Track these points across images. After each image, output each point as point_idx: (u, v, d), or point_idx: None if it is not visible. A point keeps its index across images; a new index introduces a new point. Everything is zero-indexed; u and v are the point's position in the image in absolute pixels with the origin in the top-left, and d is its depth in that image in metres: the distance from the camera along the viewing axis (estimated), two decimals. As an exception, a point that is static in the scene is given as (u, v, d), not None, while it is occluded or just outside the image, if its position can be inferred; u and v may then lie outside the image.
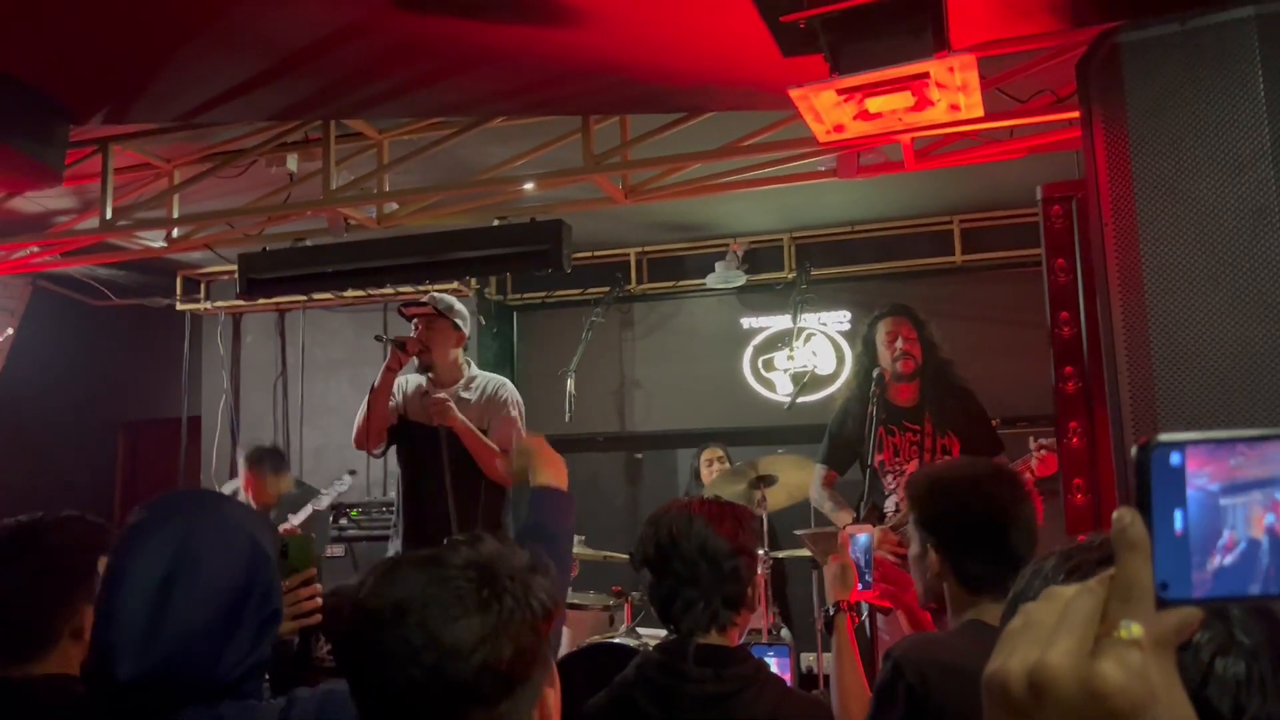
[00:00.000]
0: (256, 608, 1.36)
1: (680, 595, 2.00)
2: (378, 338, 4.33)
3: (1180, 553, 0.57)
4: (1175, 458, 0.57)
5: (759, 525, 2.09)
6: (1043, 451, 3.63)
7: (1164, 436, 0.58)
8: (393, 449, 4.23)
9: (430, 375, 4.09)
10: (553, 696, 1.13)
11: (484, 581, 1.08)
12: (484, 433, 4.00)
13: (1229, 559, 0.57)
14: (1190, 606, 0.57)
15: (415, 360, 4.04)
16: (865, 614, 3.58)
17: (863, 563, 2.45)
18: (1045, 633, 0.57)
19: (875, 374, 3.97)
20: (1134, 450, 0.58)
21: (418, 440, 4.09)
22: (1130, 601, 0.56)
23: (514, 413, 4.12)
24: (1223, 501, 0.57)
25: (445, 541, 1.13)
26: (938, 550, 1.95)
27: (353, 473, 5.74)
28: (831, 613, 2.37)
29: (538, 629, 1.09)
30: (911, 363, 4.01)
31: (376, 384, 4.02)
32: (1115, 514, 0.57)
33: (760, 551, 4.56)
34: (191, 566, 1.31)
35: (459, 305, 4.10)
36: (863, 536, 2.49)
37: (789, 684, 2.10)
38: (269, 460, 5.17)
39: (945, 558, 1.94)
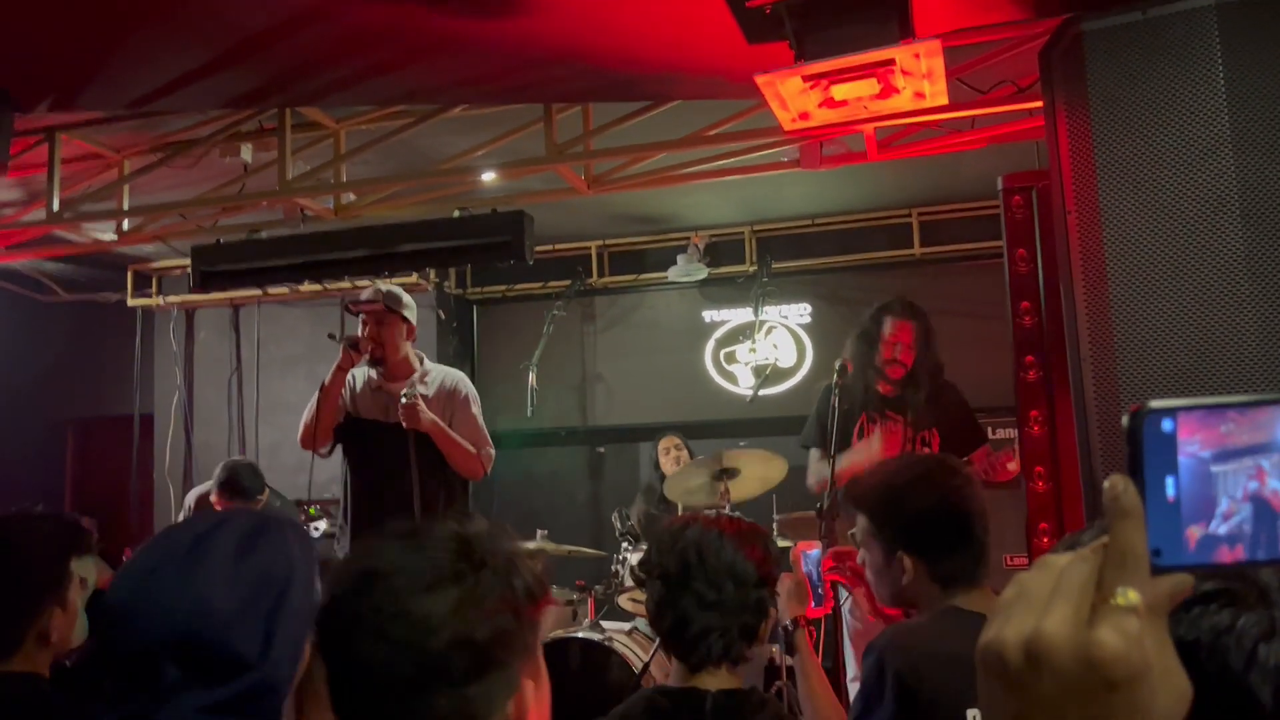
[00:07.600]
0: (281, 608, 1.19)
1: (696, 619, 1.83)
2: (331, 336, 4.20)
3: (1172, 519, 0.57)
4: (1167, 425, 0.58)
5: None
6: (1012, 464, 3.73)
7: (1156, 403, 0.58)
8: (339, 447, 4.08)
9: (381, 370, 3.99)
10: (532, 690, 1.05)
11: (462, 554, 1.03)
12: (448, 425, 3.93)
13: (1220, 525, 0.57)
14: (1183, 573, 0.57)
15: (367, 356, 3.94)
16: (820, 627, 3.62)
17: (815, 577, 2.44)
18: (1040, 601, 0.57)
19: (838, 365, 3.97)
20: (1126, 418, 0.58)
21: (371, 438, 3.97)
22: (1125, 568, 0.56)
23: (474, 408, 4.05)
24: (1214, 468, 0.57)
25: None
26: (911, 555, 1.90)
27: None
28: (791, 629, 2.32)
29: (519, 611, 1.03)
30: (901, 370, 4.00)
31: (327, 383, 3.90)
32: (1108, 481, 0.57)
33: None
34: (215, 541, 1.20)
35: (406, 297, 4.00)
36: (814, 552, 2.49)
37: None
38: (246, 484, 4.82)
39: (920, 561, 1.89)
